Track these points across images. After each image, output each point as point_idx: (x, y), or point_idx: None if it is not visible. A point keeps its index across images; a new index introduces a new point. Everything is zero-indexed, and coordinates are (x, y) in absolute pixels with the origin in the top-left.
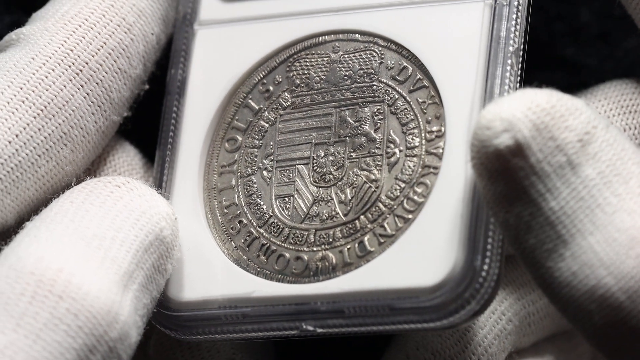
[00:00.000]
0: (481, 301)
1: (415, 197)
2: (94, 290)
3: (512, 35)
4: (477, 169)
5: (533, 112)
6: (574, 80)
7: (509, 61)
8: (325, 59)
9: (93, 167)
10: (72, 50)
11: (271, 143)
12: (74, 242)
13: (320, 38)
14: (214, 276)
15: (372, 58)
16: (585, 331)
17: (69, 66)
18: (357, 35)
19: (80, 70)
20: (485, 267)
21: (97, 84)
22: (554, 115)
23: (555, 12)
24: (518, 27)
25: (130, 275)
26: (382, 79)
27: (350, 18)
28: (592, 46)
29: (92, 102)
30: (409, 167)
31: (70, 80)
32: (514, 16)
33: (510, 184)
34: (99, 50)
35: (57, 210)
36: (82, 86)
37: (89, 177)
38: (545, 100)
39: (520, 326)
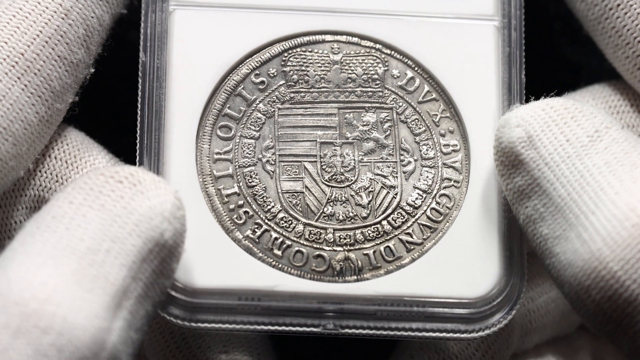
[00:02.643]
0: (512, 316)
1: (439, 208)
2: (80, 320)
3: (521, 62)
4: (498, 167)
5: (546, 112)
6: (574, 80)
7: (523, 86)
8: (325, 58)
9: (45, 156)
10: (6, 42)
11: (270, 136)
12: (66, 259)
13: (318, 37)
14: (229, 265)
15: (376, 64)
16: (587, 313)
17: (4, 59)
18: (356, 38)
19: (17, 62)
20: (521, 284)
21: (35, 74)
22: (565, 116)
23: (555, 12)
24: (524, 53)
25: (124, 291)
26: (388, 86)
27: (351, 20)
28: (592, 46)
29: (31, 93)
30: (428, 177)
31: (7, 74)
32: (523, 42)
33: (525, 177)
34: (34, 39)
35: (55, 214)
36: (19, 78)
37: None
38: (559, 104)
39: (522, 323)
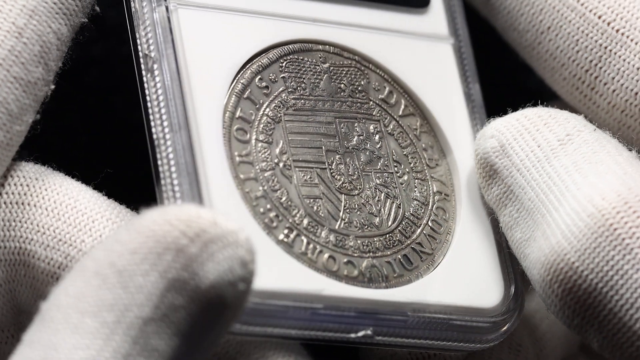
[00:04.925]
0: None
1: (438, 220)
2: None
3: (476, 79)
4: (478, 179)
5: (520, 121)
6: (532, 94)
7: (482, 102)
8: (317, 67)
9: (23, 205)
10: None
11: (281, 141)
12: (118, 329)
13: (307, 45)
14: (277, 268)
15: (359, 76)
16: (555, 310)
17: None
18: (338, 49)
19: None
20: (522, 290)
21: None
22: (538, 123)
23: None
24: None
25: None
26: (372, 99)
27: (331, 31)
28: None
29: None
30: (422, 189)
31: None
32: (474, 60)
33: (500, 185)
34: None
35: (115, 263)
36: None
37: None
38: (533, 112)
39: (536, 353)
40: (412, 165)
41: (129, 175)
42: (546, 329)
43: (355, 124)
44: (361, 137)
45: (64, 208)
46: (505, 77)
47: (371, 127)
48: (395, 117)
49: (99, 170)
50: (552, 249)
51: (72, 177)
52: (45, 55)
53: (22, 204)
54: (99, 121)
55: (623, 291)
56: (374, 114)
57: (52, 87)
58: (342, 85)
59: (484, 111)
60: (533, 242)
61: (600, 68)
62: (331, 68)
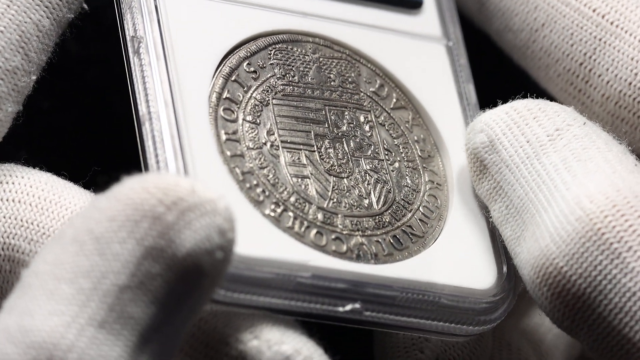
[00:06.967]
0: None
1: (430, 207)
2: None
3: (471, 79)
4: (470, 172)
5: (509, 115)
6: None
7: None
8: (306, 57)
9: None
10: None
11: (269, 123)
12: (94, 295)
13: (298, 36)
14: (262, 236)
15: (350, 68)
16: (545, 311)
17: None
18: (328, 42)
19: None
20: (515, 280)
21: None
22: (526, 116)
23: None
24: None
25: (154, 328)
26: (363, 90)
27: (323, 24)
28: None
29: None
30: (414, 177)
31: None
32: (468, 62)
33: (490, 181)
34: None
35: (93, 230)
36: None
37: None
38: (522, 105)
39: None
40: (403, 154)
41: (127, 172)
42: (550, 344)
43: (345, 113)
44: (351, 125)
45: (48, 203)
46: (499, 81)
47: (361, 117)
48: (386, 109)
49: (96, 168)
50: (541, 252)
51: (60, 177)
52: (25, 46)
53: (7, 200)
54: (97, 120)
55: (612, 296)
56: (364, 104)
57: (34, 77)
58: (332, 75)
59: (478, 109)
60: (523, 242)
61: (595, 60)
62: (320, 59)
